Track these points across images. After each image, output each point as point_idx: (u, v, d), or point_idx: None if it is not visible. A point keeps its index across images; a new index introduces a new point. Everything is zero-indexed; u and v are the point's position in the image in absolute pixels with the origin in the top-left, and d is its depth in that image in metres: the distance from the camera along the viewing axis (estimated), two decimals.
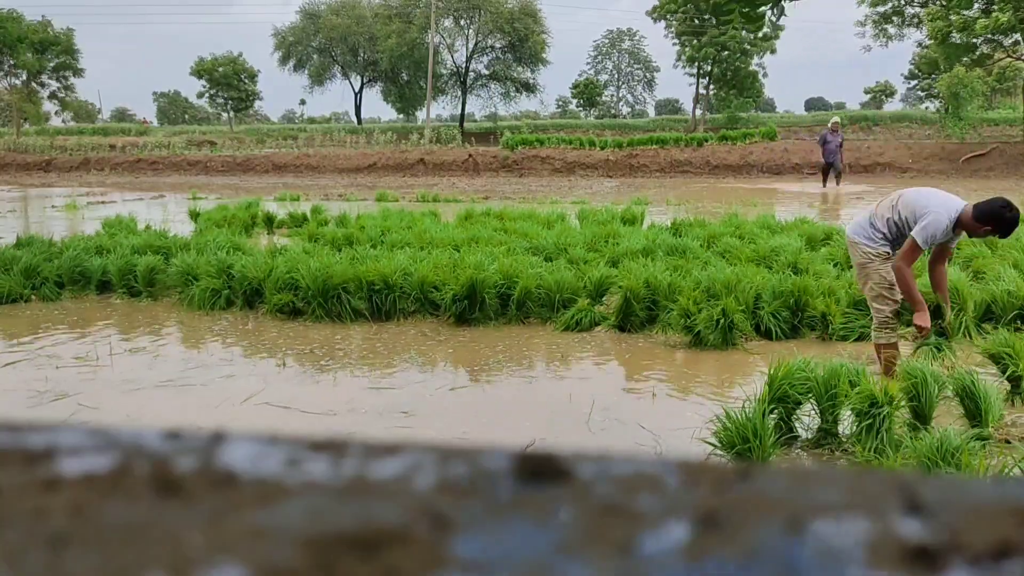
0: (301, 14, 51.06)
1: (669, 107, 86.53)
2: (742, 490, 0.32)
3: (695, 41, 40.73)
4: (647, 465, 0.34)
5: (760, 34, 40.60)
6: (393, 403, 4.41)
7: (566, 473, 0.33)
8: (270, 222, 11.71)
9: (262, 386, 4.70)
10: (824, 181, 20.35)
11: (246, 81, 51.18)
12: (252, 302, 6.68)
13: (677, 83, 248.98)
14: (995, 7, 24.98)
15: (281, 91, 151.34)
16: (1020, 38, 27.21)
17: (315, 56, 51.65)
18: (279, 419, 4.16)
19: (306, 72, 52.23)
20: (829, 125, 20.32)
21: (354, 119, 56.56)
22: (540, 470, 0.33)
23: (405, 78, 51.17)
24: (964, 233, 4.51)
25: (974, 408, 3.80)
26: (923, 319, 4.50)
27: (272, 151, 33.53)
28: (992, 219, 4.32)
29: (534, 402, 4.47)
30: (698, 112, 43.93)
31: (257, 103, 55.04)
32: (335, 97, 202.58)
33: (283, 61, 51.75)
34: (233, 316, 6.54)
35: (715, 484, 0.32)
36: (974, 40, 27.19)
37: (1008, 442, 3.69)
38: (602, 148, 28.65)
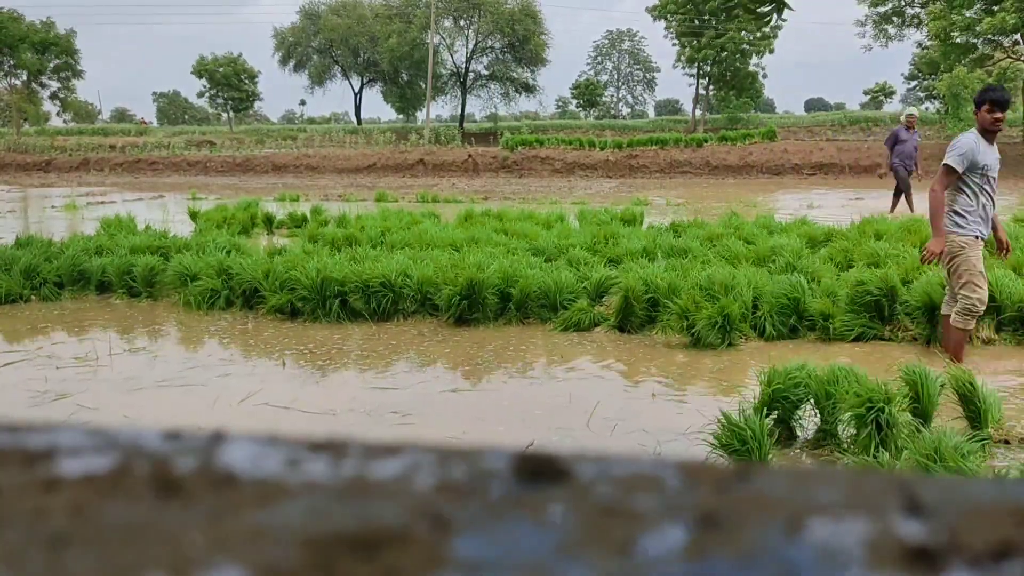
0: (301, 14, 51.13)
1: (669, 107, 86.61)
2: (742, 490, 0.32)
3: (695, 42, 40.79)
4: (647, 465, 0.34)
5: (759, 34, 40.64)
6: (392, 403, 4.41)
7: (566, 473, 0.33)
8: (270, 222, 11.70)
9: (261, 386, 4.70)
10: (900, 199, 13.27)
11: (246, 81, 51.26)
12: (251, 302, 6.68)
13: (677, 83, 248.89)
14: (996, 7, 24.97)
15: (281, 91, 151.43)
16: (1020, 39, 27.22)
17: (315, 56, 51.72)
18: (279, 419, 4.16)
19: (306, 72, 52.30)
20: (903, 119, 13.38)
21: (354, 119, 56.62)
22: (540, 470, 0.33)
23: (405, 78, 51.25)
24: (994, 146, 5.00)
25: (974, 409, 3.81)
26: (936, 245, 4.92)
27: (272, 151, 33.58)
28: (982, 98, 4.91)
29: (533, 402, 4.47)
30: (698, 112, 43.97)
31: (257, 103, 55.14)
32: (335, 97, 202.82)
33: (283, 61, 51.82)
34: (232, 316, 6.54)
35: (715, 484, 0.32)
36: (975, 40, 27.21)
37: (1008, 442, 3.70)
38: (602, 149, 28.67)
